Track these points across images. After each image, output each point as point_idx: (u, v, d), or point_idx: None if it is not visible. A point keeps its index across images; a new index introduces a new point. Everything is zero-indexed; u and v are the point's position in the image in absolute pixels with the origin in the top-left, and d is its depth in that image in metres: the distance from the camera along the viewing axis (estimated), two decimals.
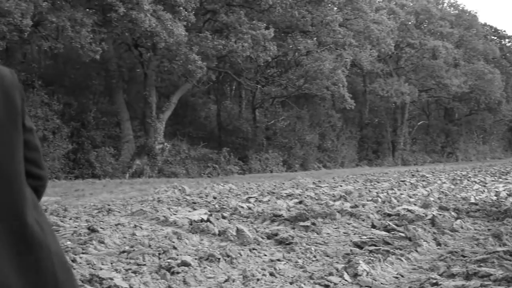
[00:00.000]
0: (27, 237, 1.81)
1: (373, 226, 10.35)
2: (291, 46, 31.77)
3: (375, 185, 20.78)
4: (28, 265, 1.80)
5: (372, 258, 7.18)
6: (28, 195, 1.92)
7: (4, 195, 1.79)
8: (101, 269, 6.96)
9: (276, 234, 9.17)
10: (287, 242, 8.67)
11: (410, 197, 16.22)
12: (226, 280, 6.55)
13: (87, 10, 25.18)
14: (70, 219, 11.07)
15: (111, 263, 7.48)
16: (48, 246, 1.87)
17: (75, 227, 9.85)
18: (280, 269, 7.04)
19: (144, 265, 7.33)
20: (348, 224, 11.00)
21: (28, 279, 1.78)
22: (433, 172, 31.64)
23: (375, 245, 8.25)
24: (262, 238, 8.98)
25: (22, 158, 1.93)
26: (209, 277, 6.88)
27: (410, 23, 48.79)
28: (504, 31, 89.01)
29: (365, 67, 38.06)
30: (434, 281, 6.09)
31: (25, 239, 1.81)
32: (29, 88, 25.58)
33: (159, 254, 7.79)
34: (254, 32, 27.37)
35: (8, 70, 2.07)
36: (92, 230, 9.20)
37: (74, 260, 7.35)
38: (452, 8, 60.00)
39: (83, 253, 8.00)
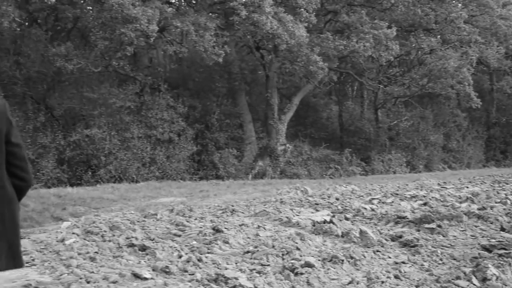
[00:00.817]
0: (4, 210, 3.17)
1: (503, 229, 9.92)
2: (414, 45, 31.05)
3: (503, 187, 19.88)
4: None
5: (502, 262, 6.88)
6: (9, 189, 3.22)
7: None
8: (226, 268, 7.05)
9: (401, 236, 8.98)
10: (412, 245, 8.47)
11: None
12: (350, 282, 6.48)
13: (210, 14, 25.75)
14: (196, 219, 11.29)
15: (236, 263, 7.56)
16: (5, 217, 3.18)
17: (201, 227, 10.03)
18: (405, 272, 6.89)
19: (268, 265, 7.36)
20: (476, 226, 10.57)
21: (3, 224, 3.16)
22: None
23: (505, 249, 7.88)
24: (386, 240, 8.81)
25: (4, 165, 3.08)
26: (333, 279, 6.82)
27: None
28: None
29: (492, 65, 36.54)
30: None
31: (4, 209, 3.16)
32: (155, 91, 26.44)
33: (283, 254, 7.81)
34: (376, 31, 26.98)
35: (1, 101, 2.97)
36: (217, 230, 9.34)
37: (200, 260, 7.49)
38: None
39: (208, 252, 8.14)
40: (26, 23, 26.86)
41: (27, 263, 7.78)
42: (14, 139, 3.28)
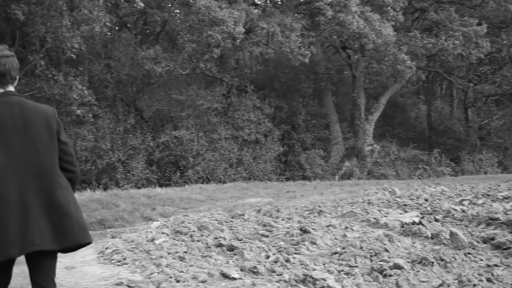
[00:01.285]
0: (56, 206, 3.70)
1: None
2: (505, 42, 30.07)
3: None
4: (54, 223, 3.71)
5: None
6: (61, 182, 3.84)
7: (52, 176, 3.70)
8: (314, 269, 7.00)
9: (493, 238, 8.67)
10: (505, 247, 8.17)
11: None
12: (440, 285, 6.31)
13: (296, 15, 25.75)
14: (283, 220, 11.27)
15: (323, 264, 7.50)
16: (70, 211, 3.76)
17: (288, 228, 10.00)
18: (498, 275, 6.65)
19: (356, 266, 7.26)
20: None
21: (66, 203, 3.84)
22: None
23: None
24: (478, 242, 8.54)
25: (57, 159, 3.85)
26: (423, 281, 6.67)
27: None
28: None
29: None
30: None
31: (54, 207, 3.70)
32: (241, 93, 26.62)
33: (371, 256, 7.69)
34: (465, 28, 26.27)
35: (50, 108, 3.97)
36: (304, 231, 9.29)
37: (287, 260, 7.46)
38: None
39: (296, 253, 8.11)
40: (116, 28, 27.56)
41: (118, 261, 7.95)
42: (62, 138, 4.01)
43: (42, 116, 3.85)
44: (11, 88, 3.86)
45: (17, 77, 3.94)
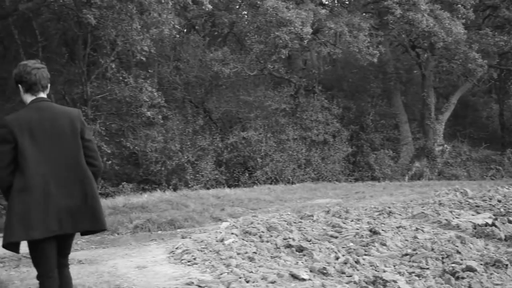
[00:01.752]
0: (75, 196, 4.46)
1: None
2: None
3: None
4: (72, 210, 4.43)
5: None
6: (83, 174, 4.53)
7: (76, 172, 4.44)
8: (384, 271, 6.93)
9: None
10: None
11: None
12: None
13: (364, 14, 25.52)
14: (352, 221, 11.19)
15: (394, 266, 7.42)
16: (87, 201, 4.50)
17: (357, 229, 9.93)
18: None
19: (428, 268, 7.16)
20: None
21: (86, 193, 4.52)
22: None
23: None
24: None
25: (82, 155, 4.53)
26: (496, 284, 6.53)
27: None
28: None
29: None
30: None
31: (74, 197, 4.45)
32: (309, 93, 26.56)
33: (442, 258, 7.56)
34: None
35: (76, 110, 4.67)
36: (373, 232, 9.21)
37: (357, 262, 7.40)
38: None
39: (365, 254, 8.04)
40: (185, 30, 27.90)
41: (188, 261, 8.04)
42: (87, 136, 4.67)
43: (67, 117, 4.58)
44: (42, 94, 4.63)
45: (48, 86, 4.68)
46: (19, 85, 4.68)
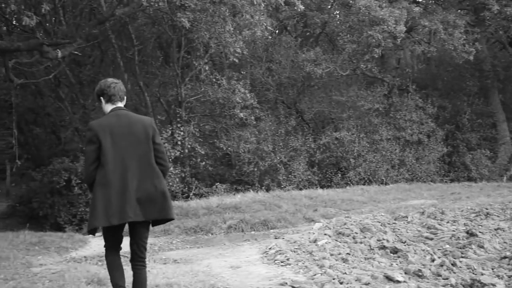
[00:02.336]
0: (145, 189, 5.22)
1: None
2: None
3: None
4: (143, 201, 5.21)
5: None
6: (153, 172, 5.30)
7: (148, 169, 5.25)
8: (482, 274, 6.75)
9: None
10: None
11: None
12: None
13: (459, 11, 24.90)
14: (447, 222, 10.95)
15: (492, 269, 7.22)
16: (156, 194, 5.26)
17: (453, 231, 9.70)
18: None
19: None
20: None
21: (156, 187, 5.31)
22: None
23: None
24: None
25: (153, 156, 5.30)
26: None
27: None
28: None
29: None
30: None
31: (145, 190, 5.22)
32: (403, 93, 26.15)
33: None
34: None
35: (148, 118, 5.52)
36: (470, 234, 8.98)
37: (454, 264, 7.25)
38: None
39: (462, 257, 7.86)
40: (277, 31, 28.03)
41: (282, 262, 8.08)
42: (157, 140, 5.48)
43: (141, 124, 5.46)
44: (120, 104, 5.56)
45: (124, 97, 5.62)
46: (101, 97, 5.59)
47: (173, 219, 5.68)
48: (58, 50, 15.06)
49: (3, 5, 15.24)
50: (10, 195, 24.42)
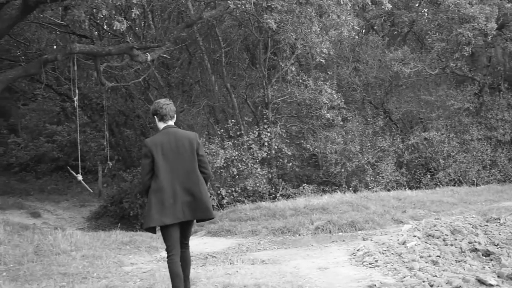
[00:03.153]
0: (191, 193, 6.42)
1: None
2: None
3: None
4: (190, 203, 6.43)
5: None
6: (197, 179, 6.49)
7: (192, 176, 6.46)
8: None
9: None
10: None
11: None
12: None
13: None
14: None
15: None
16: (201, 197, 6.44)
17: None
18: None
19: None
20: None
21: (200, 192, 6.51)
22: None
23: None
24: None
25: (197, 165, 6.53)
26: None
27: None
28: None
29: None
30: None
31: (191, 194, 6.42)
32: (494, 91, 25.43)
33: None
34: None
35: (193, 133, 6.76)
36: None
37: None
38: None
39: None
40: (363, 31, 27.79)
41: (370, 264, 8.02)
42: (200, 152, 6.66)
43: (187, 139, 6.64)
44: (170, 122, 6.76)
45: (174, 116, 6.83)
46: (155, 116, 6.81)
47: (213, 218, 7.04)
48: (147, 53, 15.45)
49: (94, 11, 15.71)
50: (102, 196, 25.18)
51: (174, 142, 6.58)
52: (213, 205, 18.14)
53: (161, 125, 6.77)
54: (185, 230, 6.75)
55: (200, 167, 6.63)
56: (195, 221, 6.82)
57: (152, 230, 6.61)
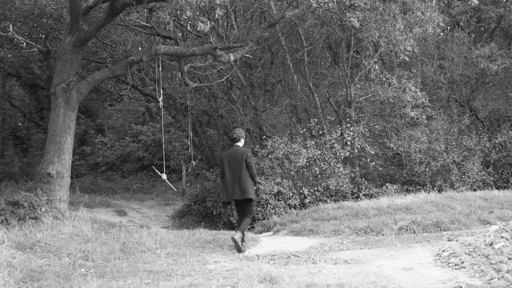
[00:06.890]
0: (241, 184, 11.05)
1: None
2: None
3: None
4: (241, 189, 11.07)
5: None
6: (246, 176, 11.07)
7: (243, 174, 11.06)
8: None
9: None
10: None
11: None
12: None
13: None
14: None
15: None
16: (246, 186, 11.03)
17: None
18: None
19: None
20: None
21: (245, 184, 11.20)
22: None
23: None
24: None
25: (245, 169, 11.09)
26: None
27: None
28: None
29: None
30: None
31: (241, 184, 11.05)
32: None
33: None
34: None
35: (245, 149, 11.53)
36: None
37: None
38: None
39: None
40: (448, 27, 27.21)
41: (455, 265, 7.87)
42: (248, 160, 10.97)
43: (241, 152, 11.06)
44: (238, 143, 11.29)
45: (241, 139, 11.29)
46: (230, 139, 11.83)
47: (252, 199, 11.13)
48: (230, 53, 15.60)
49: (178, 12, 15.99)
50: (186, 195, 25.59)
51: (233, 155, 11.11)
52: (295, 204, 18.23)
53: (232, 144, 11.51)
54: (241, 206, 11.33)
55: (247, 169, 10.99)
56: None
57: (227, 204, 12.38)
